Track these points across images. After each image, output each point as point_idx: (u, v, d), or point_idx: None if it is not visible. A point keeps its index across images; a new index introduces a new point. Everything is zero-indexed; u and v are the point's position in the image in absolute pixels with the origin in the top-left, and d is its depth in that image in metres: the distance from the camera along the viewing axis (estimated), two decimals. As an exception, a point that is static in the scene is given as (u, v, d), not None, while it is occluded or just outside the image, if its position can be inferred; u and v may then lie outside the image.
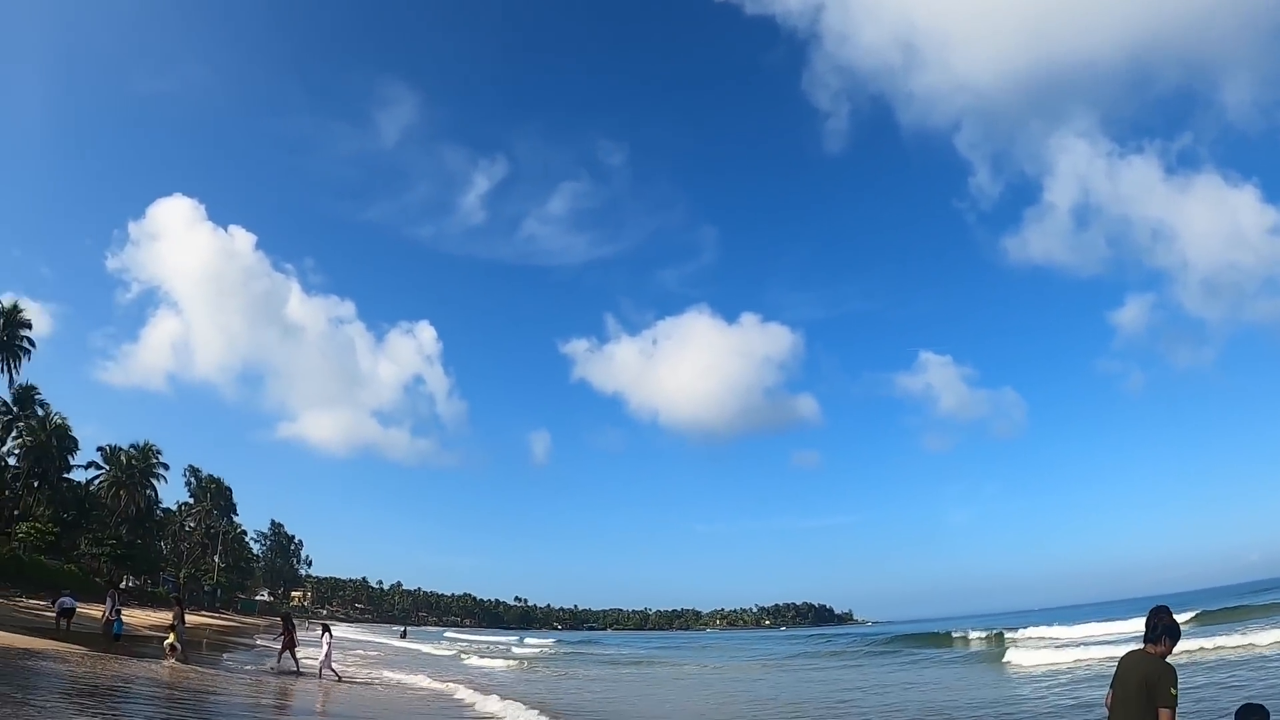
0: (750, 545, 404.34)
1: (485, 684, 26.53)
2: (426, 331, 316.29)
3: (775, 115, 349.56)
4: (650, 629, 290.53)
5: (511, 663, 38.70)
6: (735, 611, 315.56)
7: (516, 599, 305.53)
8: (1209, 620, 39.28)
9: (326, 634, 29.08)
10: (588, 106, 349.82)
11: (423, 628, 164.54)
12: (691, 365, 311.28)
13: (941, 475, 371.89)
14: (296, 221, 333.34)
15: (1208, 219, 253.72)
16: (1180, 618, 26.19)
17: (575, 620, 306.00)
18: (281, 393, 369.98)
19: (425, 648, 59.47)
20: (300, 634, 40.20)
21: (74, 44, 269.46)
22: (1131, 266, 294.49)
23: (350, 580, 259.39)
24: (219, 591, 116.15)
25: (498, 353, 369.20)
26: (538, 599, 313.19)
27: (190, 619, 34.67)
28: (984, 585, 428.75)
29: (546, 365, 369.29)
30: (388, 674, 30.72)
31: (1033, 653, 30.20)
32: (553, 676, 30.80)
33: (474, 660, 39.63)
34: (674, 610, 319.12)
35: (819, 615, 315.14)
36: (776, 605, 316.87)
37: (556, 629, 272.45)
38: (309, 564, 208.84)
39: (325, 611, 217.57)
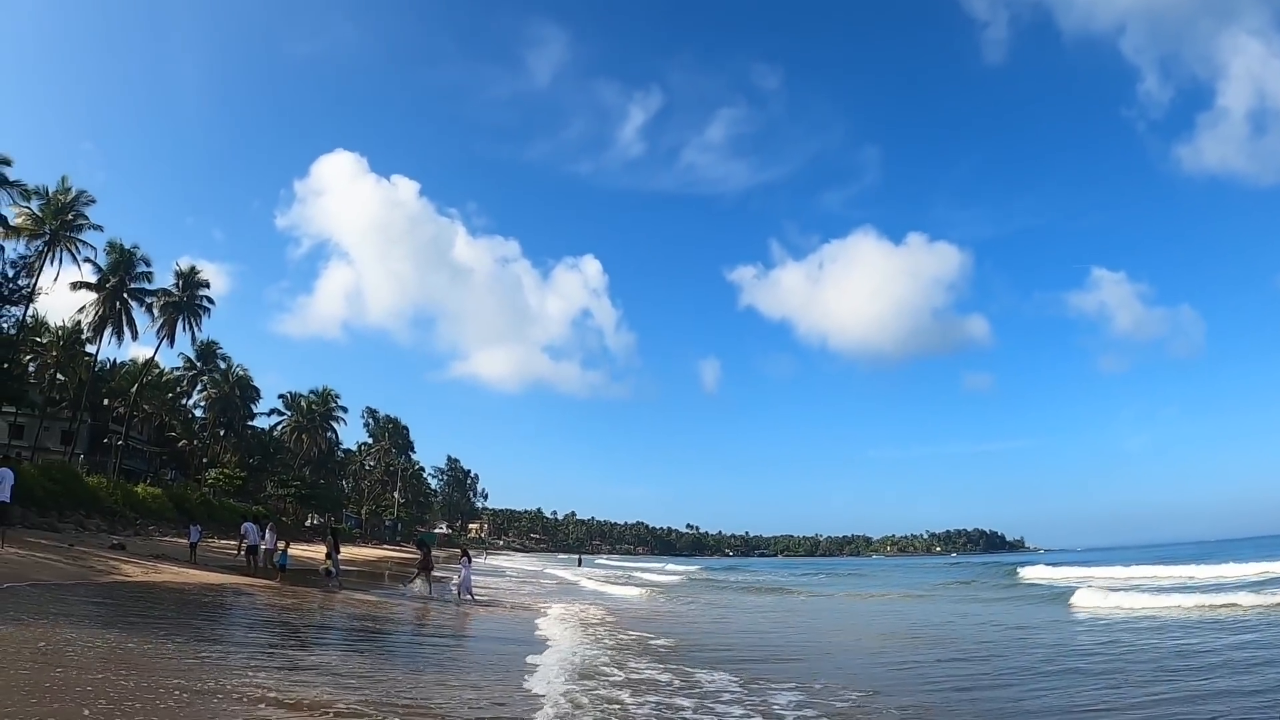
0: (922, 470, 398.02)
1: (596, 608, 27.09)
2: (592, 265, 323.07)
3: (932, 27, 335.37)
4: (820, 555, 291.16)
5: (645, 590, 39.51)
6: (906, 538, 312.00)
7: (688, 526, 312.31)
8: None
9: (466, 559, 30.29)
10: (740, 30, 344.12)
11: (595, 556, 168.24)
12: (858, 288, 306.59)
13: (1117, 398, 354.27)
14: (457, 167, 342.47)
15: None
16: None
17: (747, 547, 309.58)
18: (453, 333, 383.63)
19: (568, 573, 60.94)
20: (479, 562, 41.59)
21: (221, 14, 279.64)
22: None
23: (525, 511, 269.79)
24: (399, 525, 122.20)
25: (664, 283, 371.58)
26: (709, 526, 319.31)
27: (369, 552, 36.53)
28: (1162, 513, 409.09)
29: (713, 293, 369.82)
30: (518, 599, 31.38)
31: (1107, 595, 28.83)
32: (667, 603, 31.20)
33: (610, 588, 40.40)
34: (844, 536, 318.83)
35: (990, 542, 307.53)
36: (947, 532, 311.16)
37: (728, 555, 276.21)
38: (485, 497, 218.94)
39: (501, 542, 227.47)
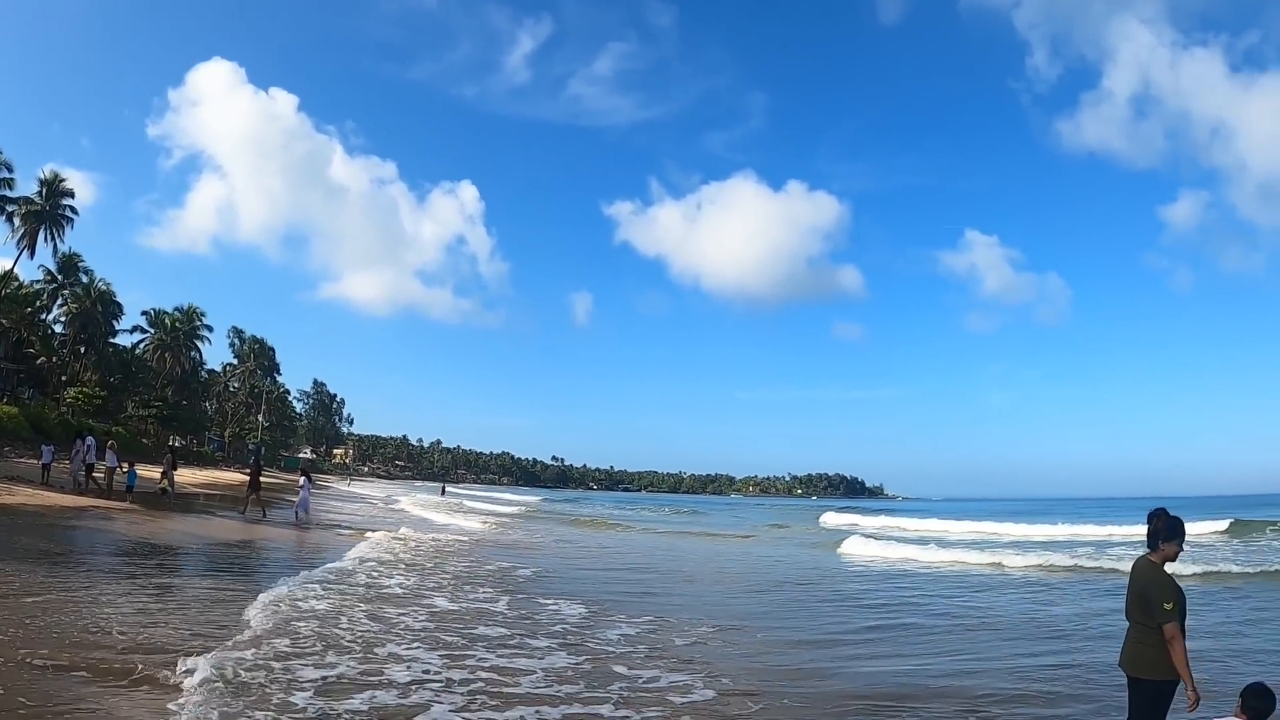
0: (788, 414, 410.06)
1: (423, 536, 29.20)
2: (469, 192, 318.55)
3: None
4: (684, 492, 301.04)
5: (487, 521, 42.59)
6: (768, 479, 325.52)
7: (554, 459, 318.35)
8: (1241, 531, 38.06)
9: (305, 481, 31.97)
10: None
11: (459, 485, 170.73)
12: (735, 231, 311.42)
13: (983, 356, 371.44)
14: (338, 83, 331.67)
15: (1269, 121, 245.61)
16: (1216, 524, 29.01)
17: (611, 481, 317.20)
18: (325, 254, 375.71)
19: (421, 500, 63.55)
20: (340, 487, 43.38)
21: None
22: (1187, 162, 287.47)
23: (391, 438, 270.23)
24: (263, 449, 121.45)
25: (540, 214, 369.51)
26: (575, 459, 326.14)
27: (233, 476, 37.85)
28: (1020, 469, 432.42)
29: (590, 227, 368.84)
30: (357, 525, 32.53)
31: (868, 544, 32.45)
32: (495, 532, 33.96)
33: (452, 518, 43.29)
34: (708, 475, 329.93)
35: (850, 487, 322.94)
36: (809, 475, 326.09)
37: (592, 489, 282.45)
38: (351, 422, 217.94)
39: (366, 469, 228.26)
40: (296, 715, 7.57)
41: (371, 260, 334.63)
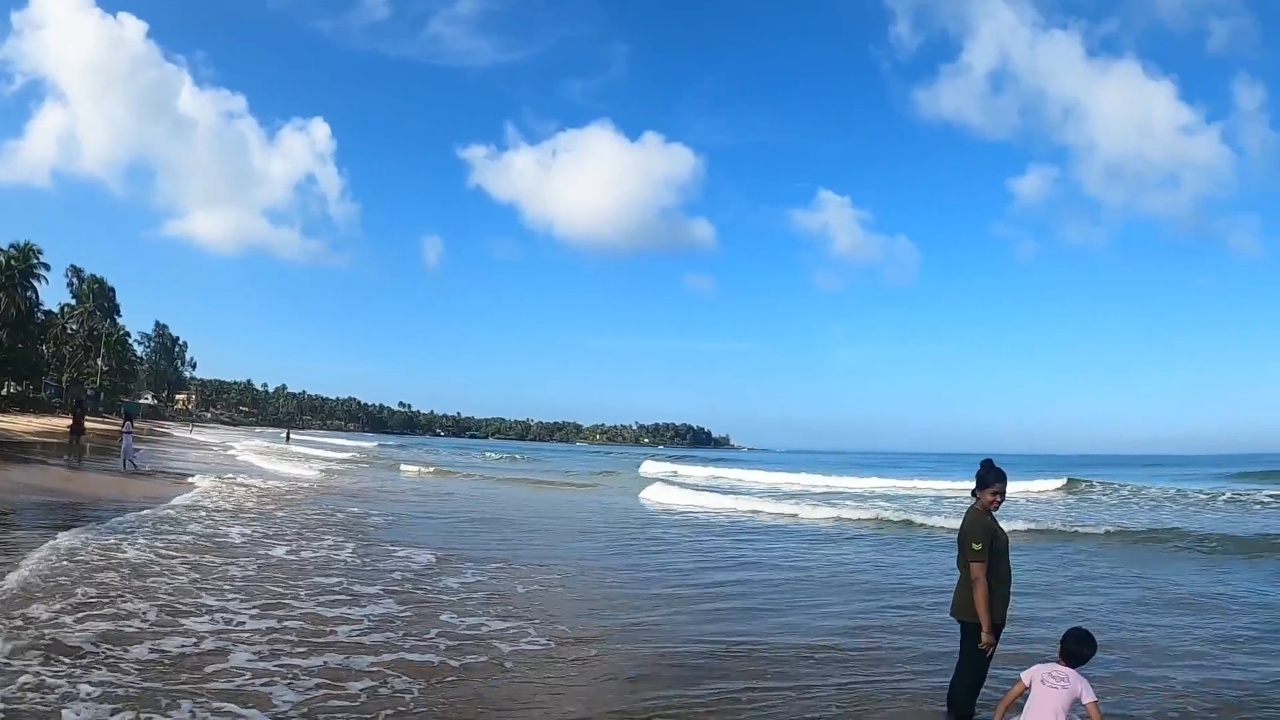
0: (638, 364, 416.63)
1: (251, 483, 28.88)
2: (321, 129, 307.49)
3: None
4: (531, 439, 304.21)
5: (330, 468, 43.70)
6: (616, 428, 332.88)
7: (401, 405, 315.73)
8: (1074, 489, 39.92)
9: (127, 426, 31.57)
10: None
11: (304, 432, 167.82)
12: (591, 180, 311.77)
13: (831, 314, 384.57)
14: (190, 10, 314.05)
15: (1121, 106, 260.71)
16: (1051, 482, 33.45)
17: (458, 428, 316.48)
18: (170, 190, 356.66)
19: (254, 453, 62.20)
20: (182, 433, 42.34)
21: None
22: (1039, 138, 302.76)
23: (235, 383, 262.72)
24: (101, 395, 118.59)
25: (394, 155, 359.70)
26: (423, 405, 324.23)
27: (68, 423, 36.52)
28: (867, 424, 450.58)
29: (443, 171, 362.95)
30: (191, 472, 31.77)
31: (667, 490, 33.61)
32: (334, 480, 34.86)
33: (290, 465, 43.24)
34: (556, 423, 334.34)
35: (696, 438, 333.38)
36: (656, 424, 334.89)
37: (439, 435, 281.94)
38: (194, 367, 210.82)
39: (209, 415, 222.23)
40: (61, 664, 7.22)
41: (218, 198, 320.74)
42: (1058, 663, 5.80)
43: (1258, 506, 30.70)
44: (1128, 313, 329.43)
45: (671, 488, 34.66)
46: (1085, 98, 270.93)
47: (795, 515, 26.21)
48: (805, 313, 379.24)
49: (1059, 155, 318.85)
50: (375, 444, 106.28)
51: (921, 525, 23.56)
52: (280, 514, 20.32)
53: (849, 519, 25.30)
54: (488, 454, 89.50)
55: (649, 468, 56.95)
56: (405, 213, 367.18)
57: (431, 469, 48.51)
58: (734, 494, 34.06)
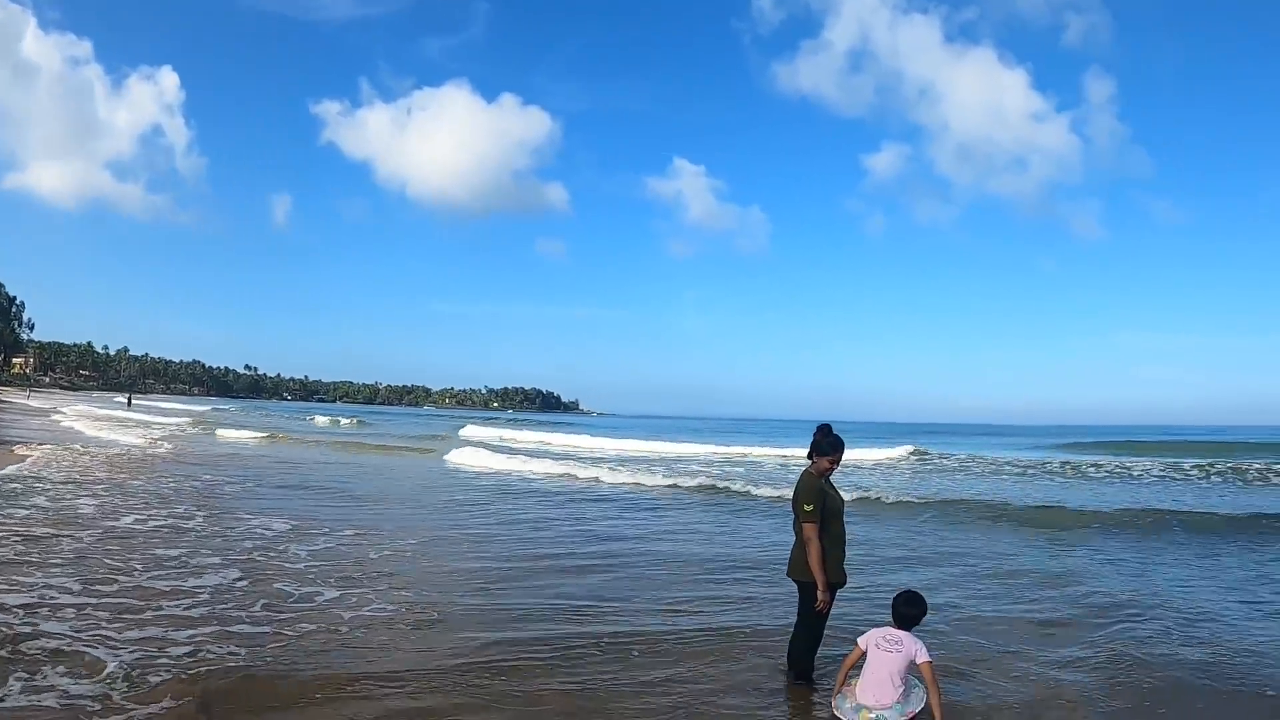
0: (490, 328, 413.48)
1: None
2: (169, 79, 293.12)
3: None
4: (380, 403, 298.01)
5: (171, 433, 42.15)
6: (465, 392, 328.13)
7: (247, 368, 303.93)
8: (919, 456, 39.70)
9: None
10: None
11: (147, 396, 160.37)
12: (445, 140, 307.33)
13: (683, 281, 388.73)
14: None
15: (975, 91, 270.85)
16: (899, 449, 32.74)
17: (305, 391, 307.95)
18: (9, 139, 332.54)
19: (89, 419, 60.67)
20: (19, 400, 39.44)
21: None
22: (894, 117, 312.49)
23: (75, 346, 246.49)
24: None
25: (244, 108, 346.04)
26: (269, 369, 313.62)
27: None
28: (715, 390, 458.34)
29: (295, 126, 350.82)
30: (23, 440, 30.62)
31: (476, 453, 33.76)
32: (178, 446, 33.35)
33: (128, 431, 41.34)
34: (405, 386, 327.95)
35: (546, 402, 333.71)
36: (506, 388, 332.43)
37: (286, 399, 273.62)
38: (31, 328, 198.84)
39: (48, 379, 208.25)
40: None
41: (60, 149, 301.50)
42: (891, 626, 5.91)
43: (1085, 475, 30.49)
44: (973, 290, 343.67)
45: (481, 451, 34.29)
46: (941, 80, 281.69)
47: (597, 478, 25.86)
48: (657, 279, 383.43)
49: (912, 134, 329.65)
50: (209, 408, 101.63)
51: (728, 490, 22.64)
52: (122, 483, 19.00)
53: (651, 485, 24.54)
54: (317, 417, 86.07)
55: (470, 432, 55.83)
56: (255, 169, 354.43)
57: (266, 434, 45.75)
58: (547, 458, 33.59)
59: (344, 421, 79.16)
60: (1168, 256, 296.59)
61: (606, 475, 26.28)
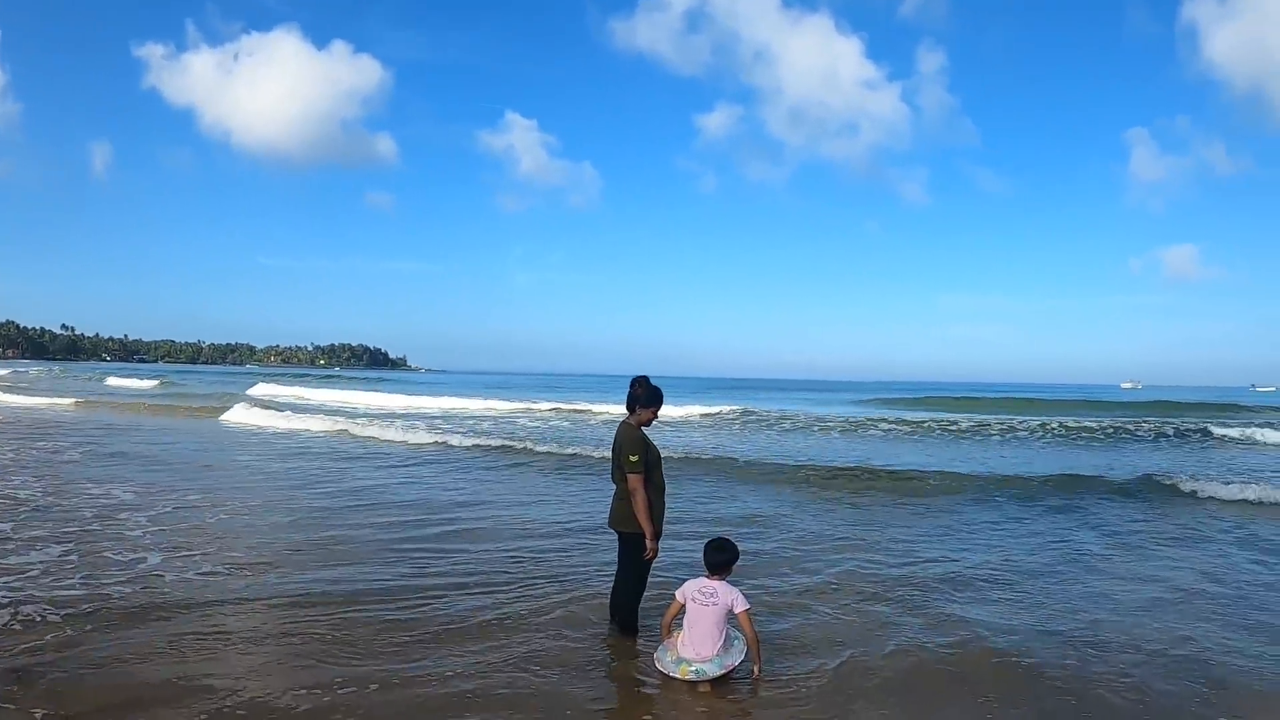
0: (317, 284, 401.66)
1: None
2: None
3: None
4: (203, 363, 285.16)
5: None
6: (291, 349, 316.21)
7: (64, 328, 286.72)
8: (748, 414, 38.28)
9: None
10: None
11: None
12: (273, 87, 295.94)
13: (512, 236, 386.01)
14: None
15: (810, 56, 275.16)
16: (729, 406, 31.54)
17: (125, 352, 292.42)
18: None
19: None
20: None
21: None
22: (729, 78, 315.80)
23: None
24: None
25: (61, 49, 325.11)
26: (87, 328, 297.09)
27: None
28: (545, 346, 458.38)
29: (115, 70, 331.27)
30: None
31: (249, 410, 33.12)
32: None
33: None
34: (229, 344, 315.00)
35: (374, 359, 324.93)
36: (333, 345, 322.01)
37: (105, 360, 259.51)
38: None
39: None
40: None
41: None
42: (706, 577, 5.88)
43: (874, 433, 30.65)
44: (802, 250, 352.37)
45: (257, 411, 33.18)
46: (777, 44, 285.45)
47: (373, 436, 25.10)
48: (488, 234, 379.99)
49: (746, 96, 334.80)
50: (9, 371, 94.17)
51: (509, 449, 21.36)
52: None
53: (421, 442, 23.52)
54: (111, 379, 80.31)
55: (262, 390, 54.74)
56: (72, 115, 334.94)
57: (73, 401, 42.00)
58: (336, 415, 32.48)
59: (145, 383, 74.64)
60: (989, 224, 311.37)
61: (384, 432, 25.39)
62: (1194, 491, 15.04)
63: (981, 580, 8.72)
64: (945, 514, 13.06)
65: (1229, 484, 15.43)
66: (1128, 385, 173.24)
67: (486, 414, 38.88)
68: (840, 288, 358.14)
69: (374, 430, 25.89)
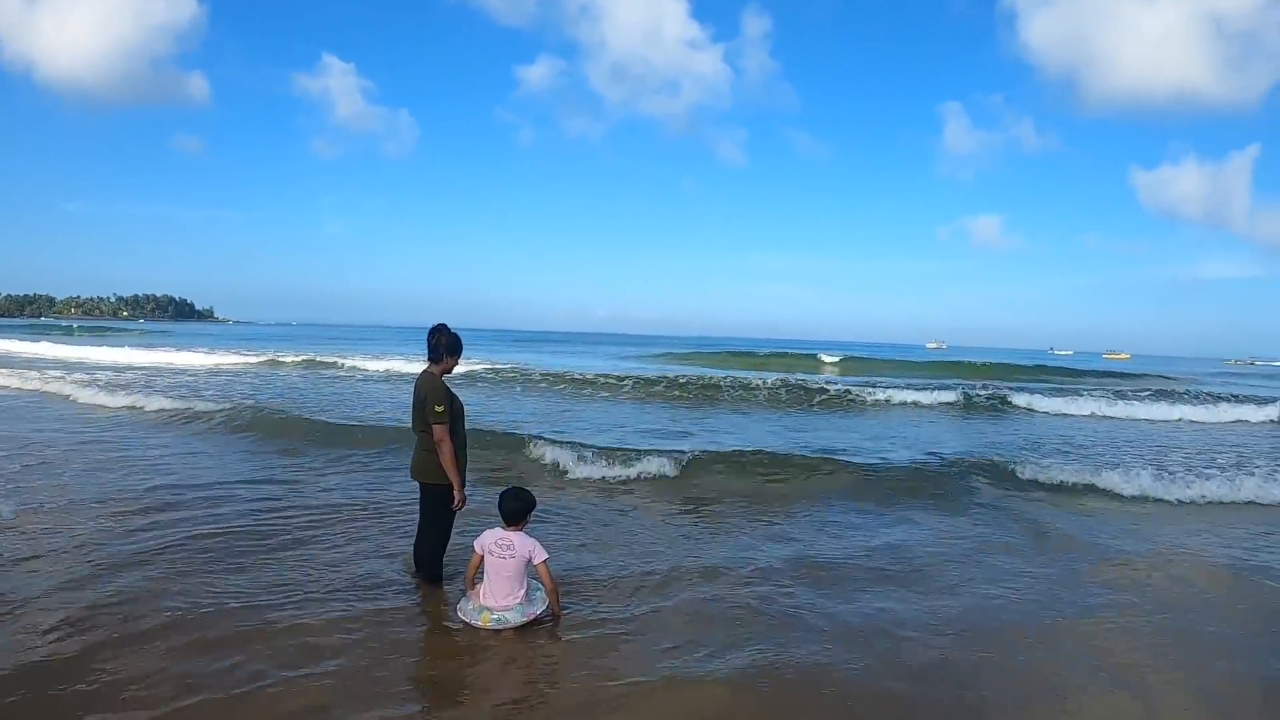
0: (122, 231, 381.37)
1: None
2: None
3: None
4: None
5: None
6: (93, 300, 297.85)
7: None
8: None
9: None
10: None
11: None
12: (81, 19, 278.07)
13: (325, 184, 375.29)
14: None
15: (635, 12, 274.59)
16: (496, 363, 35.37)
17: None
18: None
19: None
20: None
21: None
22: (552, 30, 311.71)
23: None
24: None
25: None
26: None
27: None
28: (359, 297, 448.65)
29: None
30: None
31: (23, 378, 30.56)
32: None
33: None
34: (25, 296, 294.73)
35: (180, 310, 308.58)
36: (136, 296, 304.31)
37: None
38: None
39: None
40: None
41: None
42: (503, 528, 5.99)
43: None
44: (618, 205, 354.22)
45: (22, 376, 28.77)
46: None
47: (69, 396, 22.30)
48: (300, 181, 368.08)
49: (569, 49, 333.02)
50: None
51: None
52: None
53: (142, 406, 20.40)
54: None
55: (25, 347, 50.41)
56: None
57: None
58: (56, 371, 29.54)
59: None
60: (805, 187, 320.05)
61: (86, 394, 22.20)
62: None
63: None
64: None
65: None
66: (933, 345, 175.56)
67: (221, 369, 35.25)
68: (656, 245, 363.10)
69: (73, 390, 23.14)
